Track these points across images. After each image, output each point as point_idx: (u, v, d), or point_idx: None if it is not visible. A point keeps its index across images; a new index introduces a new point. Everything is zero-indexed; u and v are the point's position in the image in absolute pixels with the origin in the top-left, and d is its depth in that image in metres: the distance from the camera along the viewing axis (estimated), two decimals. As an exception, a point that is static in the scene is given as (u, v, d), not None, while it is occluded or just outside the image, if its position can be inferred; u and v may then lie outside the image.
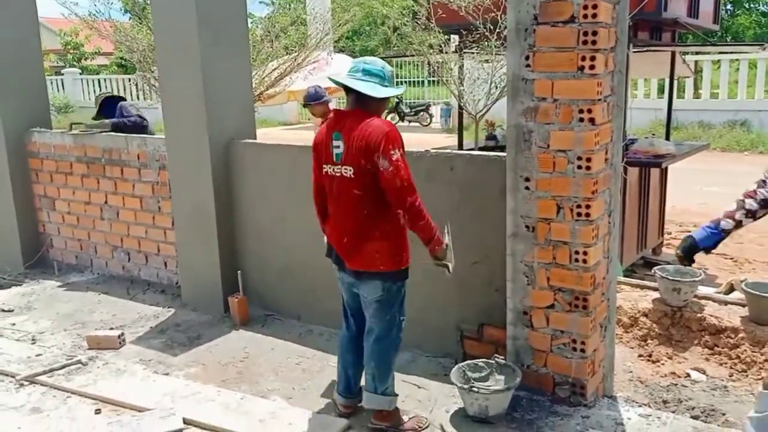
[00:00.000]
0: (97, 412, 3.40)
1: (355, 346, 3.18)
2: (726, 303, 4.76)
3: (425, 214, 2.89)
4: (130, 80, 21.20)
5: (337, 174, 2.95)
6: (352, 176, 2.89)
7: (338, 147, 2.93)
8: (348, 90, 2.95)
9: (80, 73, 24.08)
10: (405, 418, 3.13)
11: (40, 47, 6.03)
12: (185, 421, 3.22)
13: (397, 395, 3.15)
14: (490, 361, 3.33)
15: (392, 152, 2.80)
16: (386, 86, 2.96)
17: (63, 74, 23.56)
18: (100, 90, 22.72)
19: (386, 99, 3.00)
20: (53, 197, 5.81)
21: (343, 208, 2.99)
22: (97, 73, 24.82)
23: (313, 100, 6.71)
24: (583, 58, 2.93)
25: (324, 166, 3.02)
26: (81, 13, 8.43)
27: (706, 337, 4.51)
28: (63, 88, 23.03)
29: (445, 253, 3.01)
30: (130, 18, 10.45)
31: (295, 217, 4.30)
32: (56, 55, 25.61)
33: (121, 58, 22.35)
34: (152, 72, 7.63)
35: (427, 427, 3.12)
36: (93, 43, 24.45)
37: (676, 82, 7.73)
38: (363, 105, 2.93)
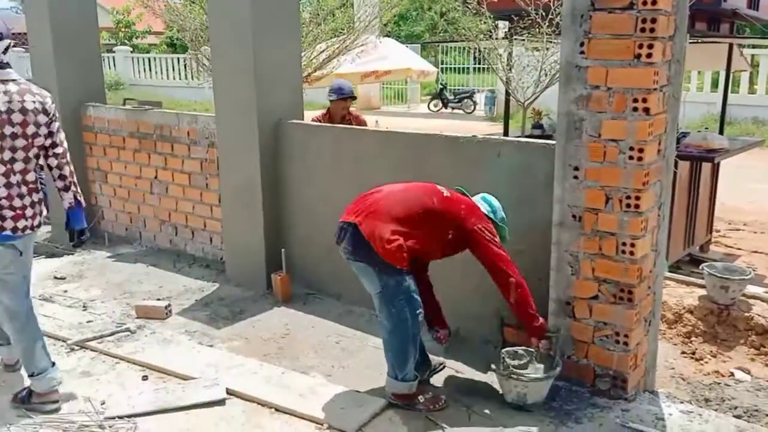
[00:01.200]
0: (144, 378, 3.52)
1: None
2: (774, 302, 4.64)
3: (530, 300, 3.17)
4: (179, 60, 21.56)
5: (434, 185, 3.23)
6: (449, 195, 3.19)
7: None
8: None
9: (131, 51, 24.57)
10: (421, 398, 3.17)
11: (97, 25, 6.17)
12: (228, 392, 3.30)
13: (417, 378, 3.19)
14: (530, 349, 3.32)
15: (496, 237, 3.18)
16: (491, 218, 3.23)
17: (114, 52, 24.08)
18: (150, 69, 23.20)
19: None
20: (106, 170, 5.97)
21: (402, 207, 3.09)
22: (148, 52, 25.29)
23: (337, 94, 5.42)
24: (641, 46, 2.87)
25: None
26: (134, -9, 8.58)
27: (753, 337, 4.42)
28: (114, 66, 23.55)
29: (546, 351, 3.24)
30: (182, -2, 10.61)
31: (339, 198, 4.31)
32: (108, 33, 26.18)
33: (171, 37, 22.78)
34: (203, 51, 7.75)
35: (445, 407, 3.15)
36: (144, 22, 24.91)
37: (731, 76, 7.48)
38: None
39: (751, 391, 3.95)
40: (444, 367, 3.53)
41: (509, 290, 3.08)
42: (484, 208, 3.25)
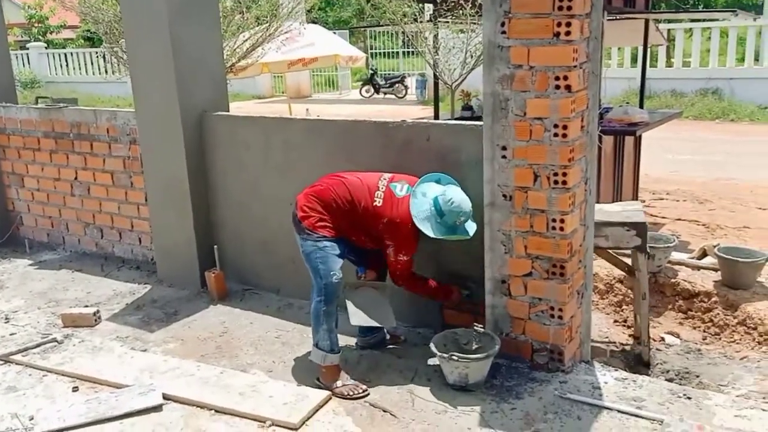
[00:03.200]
0: (75, 389, 3.36)
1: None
2: (699, 268, 4.86)
3: (423, 286, 3.47)
4: (97, 54, 20.70)
5: (378, 186, 3.29)
6: (378, 205, 3.23)
7: (397, 187, 3.30)
8: None
9: (46, 48, 23.42)
10: (339, 383, 3.22)
11: (3, 22, 5.82)
12: (165, 397, 3.19)
13: (334, 353, 3.26)
14: (469, 330, 3.35)
15: (400, 255, 3.24)
16: (437, 222, 3.20)
17: (28, 48, 22.91)
18: (67, 65, 22.19)
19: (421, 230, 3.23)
20: (21, 174, 5.67)
21: (340, 192, 3.29)
22: (63, 47, 24.15)
23: None
24: (559, 24, 2.90)
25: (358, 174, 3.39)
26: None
27: (680, 302, 4.61)
28: (29, 63, 22.41)
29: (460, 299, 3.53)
30: (96, -12, 10.13)
31: (271, 190, 4.25)
32: (21, 29, 24.84)
33: (88, 30, 21.81)
34: (120, 44, 7.43)
35: (363, 396, 3.17)
36: (58, 17, 23.75)
37: (649, 51, 7.74)
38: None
39: (681, 354, 4.13)
40: (403, 340, 3.69)
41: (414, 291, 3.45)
42: (424, 223, 3.20)
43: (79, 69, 22.01)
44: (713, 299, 4.45)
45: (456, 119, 6.76)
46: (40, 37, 24.82)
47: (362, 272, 3.57)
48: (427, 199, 3.24)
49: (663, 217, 6.85)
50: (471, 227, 3.28)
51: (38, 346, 3.81)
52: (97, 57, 20.77)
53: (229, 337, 3.90)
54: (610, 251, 3.97)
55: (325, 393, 3.17)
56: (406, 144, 3.70)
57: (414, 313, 3.83)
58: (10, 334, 4.00)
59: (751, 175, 8.41)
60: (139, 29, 4.39)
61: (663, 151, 9.07)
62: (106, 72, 17.41)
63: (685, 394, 3.08)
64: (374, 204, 3.24)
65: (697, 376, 3.86)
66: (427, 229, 3.18)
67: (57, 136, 5.30)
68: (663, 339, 4.31)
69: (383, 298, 3.48)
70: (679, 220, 6.73)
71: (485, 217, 3.30)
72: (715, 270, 4.69)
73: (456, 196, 3.21)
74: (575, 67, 2.96)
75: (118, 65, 7.41)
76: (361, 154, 3.81)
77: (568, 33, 2.89)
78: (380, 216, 3.22)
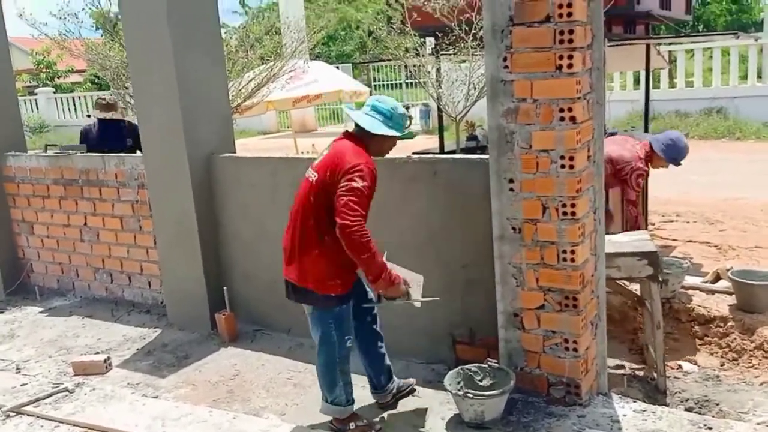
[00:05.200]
0: (87, 440, 3.33)
1: (361, 349, 3.32)
2: (713, 292, 4.80)
3: (368, 248, 2.87)
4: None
5: (308, 176, 3.09)
6: (314, 182, 3.02)
7: (323, 154, 3.10)
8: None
9: (54, 92, 23.79)
10: (352, 424, 3.16)
11: (11, 69, 5.93)
12: (177, 445, 3.16)
13: (350, 404, 3.19)
14: (483, 365, 3.30)
15: (354, 178, 2.87)
16: (390, 127, 3.07)
17: (37, 94, 23.27)
18: (75, 108, 22.49)
19: (386, 138, 3.11)
20: (31, 221, 5.70)
21: (296, 210, 3.11)
22: (71, 91, 24.53)
23: None
24: (561, 57, 2.91)
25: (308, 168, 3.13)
26: (51, 33, 8.28)
27: (696, 328, 4.54)
28: (37, 108, 22.74)
29: (404, 292, 3.07)
30: (102, 35, 10.32)
31: (279, 229, 4.20)
32: (29, 74, 25.29)
33: (95, 75, 22.17)
34: (127, 89, 7.53)
35: None
36: (66, 62, 24.17)
37: (651, 74, 7.78)
38: (363, 138, 3.08)
39: (699, 381, 4.06)
40: (414, 392, 3.50)
41: (344, 237, 2.86)
42: (375, 123, 3.03)
43: (88, 112, 22.27)
44: (729, 324, 4.38)
45: (461, 150, 6.78)
46: (48, 81, 25.24)
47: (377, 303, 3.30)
48: (362, 112, 3.10)
49: (674, 240, 6.78)
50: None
51: (50, 396, 3.79)
52: (105, 100, 21.03)
53: (240, 380, 3.86)
54: (617, 282, 3.93)
55: (339, 436, 3.12)
56: (412, 179, 3.71)
57: (426, 348, 3.79)
58: (22, 385, 3.98)
59: (761, 194, 8.35)
60: (146, 73, 4.45)
61: (670, 173, 9.03)
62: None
63: (705, 425, 3.01)
64: (309, 179, 3.04)
65: (717, 404, 3.79)
66: (384, 130, 3.05)
67: (66, 183, 5.35)
68: (680, 366, 4.23)
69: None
70: (690, 241, 6.66)
71: (495, 250, 3.28)
72: (730, 294, 4.63)
73: (384, 100, 3.14)
74: (579, 98, 2.97)
75: (126, 109, 7.49)
76: (368, 191, 3.80)
77: (570, 65, 2.91)
78: (322, 174, 2.97)
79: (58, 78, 25.87)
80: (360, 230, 2.84)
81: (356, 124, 3.11)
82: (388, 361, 3.39)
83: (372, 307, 3.29)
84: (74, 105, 22.59)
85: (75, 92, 24.06)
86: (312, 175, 3.05)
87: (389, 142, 3.16)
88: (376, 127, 3.06)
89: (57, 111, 22.81)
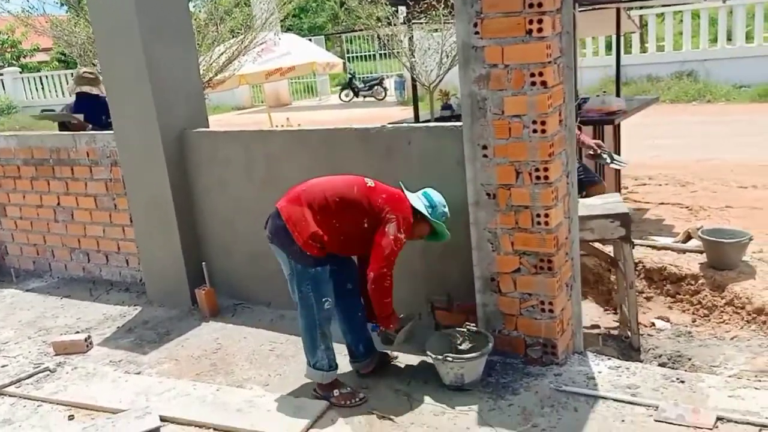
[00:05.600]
0: (71, 418, 3.33)
1: (341, 316, 3.36)
2: (685, 251, 4.91)
3: (390, 294, 3.14)
4: (72, 75, 20.52)
5: (365, 178, 3.22)
6: (368, 188, 3.17)
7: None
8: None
9: (20, 72, 23.20)
10: (336, 391, 3.21)
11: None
12: (162, 419, 3.18)
13: (333, 369, 3.24)
14: (462, 329, 3.36)
15: (399, 228, 3.08)
16: (429, 213, 3.21)
17: (2, 74, 22.68)
18: (43, 88, 21.98)
19: (418, 221, 3.20)
20: (3, 203, 5.61)
21: (330, 185, 3.20)
22: (38, 71, 23.94)
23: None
24: (531, 22, 2.92)
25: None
26: (13, 10, 8.07)
27: (668, 286, 4.66)
28: (3, 89, 22.20)
29: (395, 336, 3.28)
30: (67, 11, 10.06)
31: (255, 204, 4.24)
32: (-8, 54, 24.61)
33: (61, 53, 21.65)
34: (94, 65, 7.38)
35: (361, 404, 3.17)
36: (31, 40, 23.55)
37: (622, 38, 7.81)
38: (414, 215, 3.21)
39: (672, 338, 4.18)
40: (395, 357, 3.55)
41: (369, 279, 3.09)
42: (420, 203, 3.22)
43: (56, 91, 21.81)
44: (700, 281, 4.51)
45: (436, 119, 6.78)
46: (14, 61, 24.59)
47: (376, 329, 3.40)
48: (415, 194, 3.28)
49: (646, 203, 6.91)
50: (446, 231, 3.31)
51: (31, 376, 3.78)
52: (72, 79, 20.59)
53: (223, 354, 3.89)
54: (591, 244, 4.01)
55: (323, 403, 3.17)
56: (387, 149, 3.72)
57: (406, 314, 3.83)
58: (2, 366, 3.96)
59: (731, 155, 8.51)
60: (113, 50, 4.37)
61: (642, 136, 9.14)
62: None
63: (678, 378, 3.11)
64: (368, 185, 3.18)
65: (689, 359, 3.91)
66: (425, 210, 3.20)
67: (37, 163, 5.26)
68: (653, 324, 4.35)
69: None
70: (662, 203, 6.79)
71: (471, 216, 3.32)
72: (701, 252, 4.75)
73: (436, 194, 3.30)
74: (550, 63, 2.99)
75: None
76: (344, 161, 3.80)
77: (540, 30, 2.92)
78: (378, 193, 3.16)
79: (24, 57, 25.20)
80: (390, 279, 3.09)
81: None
82: (368, 332, 3.43)
83: (353, 275, 3.34)
84: (41, 84, 22.08)
85: (42, 71, 23.49)
86: (370, 182, 3.20)
87: (420, 227, 3.23)
88: (418, 204, 3.21)
89: (24, 91, 22.29)
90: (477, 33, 3.06)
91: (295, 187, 3.25)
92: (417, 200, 3.23)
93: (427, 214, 3.20)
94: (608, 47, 14.66)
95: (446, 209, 3.27)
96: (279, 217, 3.12)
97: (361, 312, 3.38)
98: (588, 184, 4.91)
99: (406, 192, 3.28)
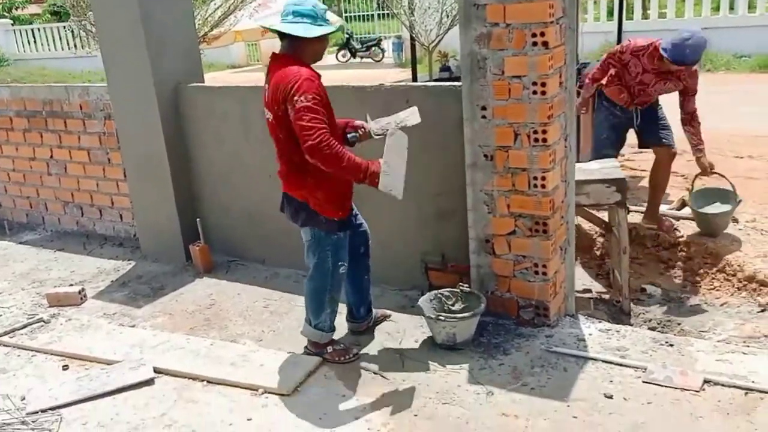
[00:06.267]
0: (65, 368, 3.36)
1: (349, 278, 3.29)
2: (678, 219, 4.92)
3: (341, 156, 2.79)
4: (65, 28, 20.16)
5: (267, 118, 3.00)
6: (273, 121, 2.95)
7: (266, 91, 2.97)
8: (281, 35, 2.92)
9: (12, 24, 22.73)
10: (329, 348, 3.23)
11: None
12: (156, 370, 3.21)
13: (333, 330, 3.26)
14: (455, 290, 3.38)
15: (296, 99, 2.75)
16: (320, 25, 2.91)
17: (-7, 26, 22.23)
18: (35, 41, 21.59)
19: (322, 38, 2.94)
20: (-5, 155, 5.57)
21: (277, 152, 3.04)
22: (30, 23, 23.48)
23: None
24: (534, -20, 2.87)
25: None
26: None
27: (661, 253, 4.68)
28: (-6, 41, 21.78)
29: (388, 180, 2.87)
30: (59, -40, 9.83)
31: (252, 160, 4.22)
32: (-17, 6, 24.09)
33: (54, 4, 21.22)
34: (87, 17, 7.24)
35: (353, 360, 3.20)
36: (23, -9, 23.07)
37: (625, 3, 7.70)
38: (296, 49, 2.92)
39: (663, 303, 4.23)
40: (389, 317, 3.58)
41: (309, 159, 2.80)
42: (303, 29, 2.83)
43: (48, 45, 21.42)
44: (693, 249, 4.53)
45: (434, 81, 6.72)
46: (6, 13, 24.08)
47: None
48: (287, 22, 2.89)
49: (642, 170, 6.89)
50: (330, 20, 3.03)
51: (25, 326, 3.80)
52: (66, 31, 20.22)
53: (217, 309, 3.91)
54: (586, 208, 4.01)
55: (317, 359, 3.20)
56: (385, 108, 3.66)
57: (400, 275, 3.86)
58: (-4, 317, 3.98)
59: (728, 124, 8.47)
60: (107, 1, 4.28)
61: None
62: (75, 47, 17.02)
63: (667, 342, 3.15)
64: (269, 120, 2.95)
65: (679, 324, 3.96)
66: (323, 30, 2.88)
67: (29, 115, 5.20)
68: (644, 290, 4.39)
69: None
70: (658, 172, 6.76)
71: (467, 177, 3.31)
72: (693, 219, 4.76)
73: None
74: (552, 23, 2.94)
75: (87, 39, 7.23)
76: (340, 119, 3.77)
77: (543, -12, 2.87)
78: (273, 110, 2.89)
79: (16, 9, 24.67)
80: (323, 144, 2.73)
81: (282, 37, 2.90)
82: (371, 296, 3.44)
83: (366, 238, 3.30)
84: (34, 38, 21.66)
85: (34, 24, 23.03)
86: (268, 115, 2.97)
87: (323, 43, 2.97)
88: (311, 31, 2.86)
89: (16, 44, 21.86)
90: (479, -10, 3.00)
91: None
92: (300, 27, 2.84)
93: (320, 33, 2.85)
94: (609, 13, 14.47)
95: (321, 5, 2.92)
96: (291, 200, 3.05)
97: (367, 275, 3.37)
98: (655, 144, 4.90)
99: (278, 25, 2.89)
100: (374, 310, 3.52)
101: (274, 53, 3.01)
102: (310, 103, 2.75)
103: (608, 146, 4.88)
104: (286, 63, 2.89)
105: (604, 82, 4.84)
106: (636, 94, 4.73)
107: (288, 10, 2.91)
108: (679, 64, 4.39)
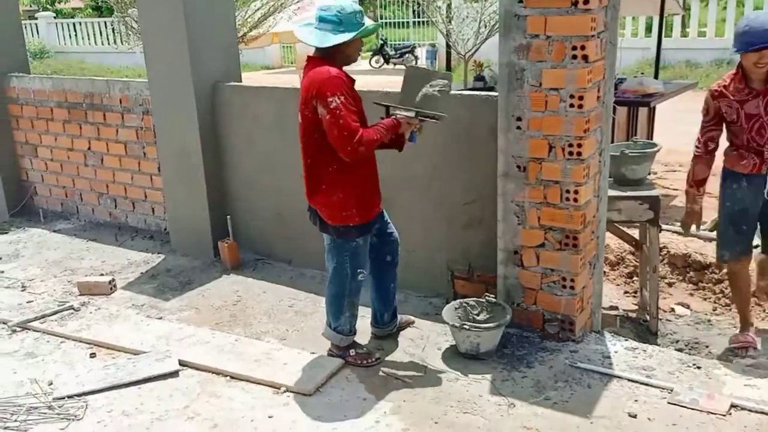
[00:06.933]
0: (92, 356, 3.43)
1: (375, 284, 3.35)
2: (711, 240, 4.83)
3: (375, 138, 2.88)
4: (106, 23, 20.58)
5: (300, 120, 3.03)
6: (300, 122, 3.00)
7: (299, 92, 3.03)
8: None
9: (54, 17, 23.28)
10: (352, 351, 3.24)
11: (14, -9, 5.81)
12: (181, 363, 3.26)
13: (353, 334, 3.27)
14: (480, 300, 3.37)
15: (330, 99, 2.80)
16: (341, 31, 2.90)
17: (37, 18, 22.78)
18: (76, 35, 22.07)
19: (347, 45, 2.93)
20: (35, 144, 5.69)
21: (302, 153, 3.08)
22: (72, 17, 24.01)
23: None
24: (577, -7, 2.86)
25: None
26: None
27: (691, 273, 4.61)
28: (38, 33, 22.31)
29: (417, 114, 2.99)
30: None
31: (284, 161, 4.25)
32: (29, -2, 24.72)
33: (96, 0, 21.66)
34: (130, 14, 7.39)
35: (375, 365, 3.20)
36: (66, -15, 23.61)
37: (664, 21, 7.62)
38: (326, 51, 2.95)
39: (691, 324, 4.15)
40: (412, 323, 3.58)
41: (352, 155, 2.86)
42: (318, 38, 2.88)
43: (88, 39, 21.88)
44: (724, 271, 4.45)
45: (469, 90, 6.71)
46: (49, 6, 24.67)
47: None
48: (310, 30, 2.95)
49: (675, 189, 6.79)
50: (367, 22, 3.06)
51: (55, 313, 3.87)
52: (106, 27, 20.65)
53: (242, 306, 3.95)
54: (617, 224, 3.96)
55: (339, 361, 3.21)
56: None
57: (425, 283, 3.86)
58: (27, 302, 4.06)
59: None
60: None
61: (676, 122, 8.94)
62: (116, 42, 17.36)
63: (694, 364, 3.10)
64: (301, 122, 2.98)
65: (707, 347, 3.89)
66: (336, 39, 2.87)
67: (70, 107, 5.32)
68: (673, 310, 4.33)
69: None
70: (691, 192, 6.66)
71: (498, 187, 3.30)
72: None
73: (324, 3, 2.94)
74: (593, 36, 2.93)
75: (128, 35, 7.37)
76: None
77: (586, 2, 2.86)
78: (304, 112, 2.93)
79: (59, 2, 25.26)
80: (360, 144, 2.80)
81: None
82: (396, 302, 3.45)
83: (394, 247, 3.31)
84: (75, 31, 22.15)
85: (76, 18, 23.54)
86: (298, 117, 3.02)
87: (353, 45, 2.97)
88: (326, 40, 2.89)
89: (57, 37, 22.37)
90: (521, 1, 3.00)
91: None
92: (317, 35, 2.89)
93: (333, 43, 2.86)
94: (647, 29, 14.33)
95: (349, 8, 2.90)
96: (310, 205, 3.13)
97: (393, 283, 3.38)
98: None
99: (300, 34, 2.98)
100: (399, 316, 3.52)
101: (308, 56, 3.05)
102: (340, 104, 2.80)
103: (739, 240, 3.59)
104: (318, 64, 2.93)
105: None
106: (757, 141, 3.43)
107: (316, 15, 2.96)
108: (756, 47, 3.20)
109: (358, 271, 3.15)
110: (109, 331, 3.64)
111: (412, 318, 3.61)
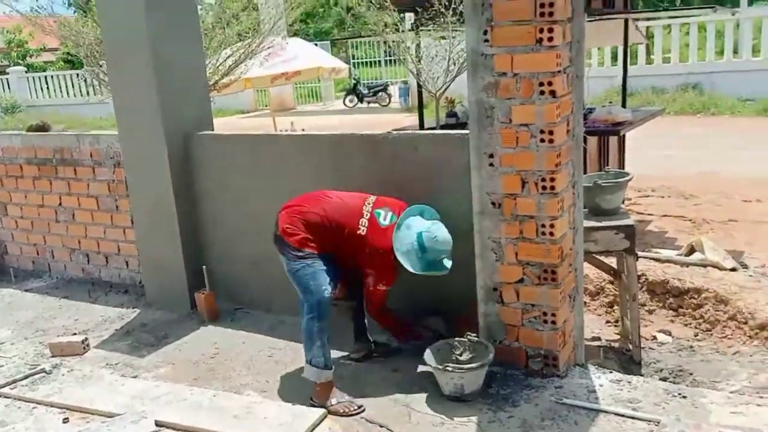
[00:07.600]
0: (65, 421, 3.30)
1: (359, 306, 3.57)
2: (687, 265, 4.87)
3: (387, 319, 3.52)
4: (78, 76, 20.58)
5: (364, 206, 3.32)
6: (362, 233, 3.26)
7: (381, 215, 3.31)
8: None
9: (26, 71, 23.26)
10: (334, 400, 3.19)
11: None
12: (157, 424, 3.15)
13: (328, 369, 3.24)
14: (462, 339, 3.33)
15: (379, 285, 3.29)
16: (419, 258, 3.24)
17: (8, 73, 22.74)
18: (48, 88, 22.05)
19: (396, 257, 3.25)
20: (5, 202, 5.60)
21: (315, 203, 3.34)
22: (44, 70, 24.00)
23: None
24: (541, 30, 2.90)
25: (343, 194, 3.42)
26: (22, 9, 8.08)
27: (670, 299, 4.62)
28: (9, 88, 22.24)
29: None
30: (75, 11, 10.08)
31: (259, 209, 4.21)
32: (0, 53, 24.72)
33: (68, 53, 21.70)
34: (101, 66, 7.38)
35: (359, 412, 3.14)
36: (37, 40, 23.64)
37: (629, 50, 7.79)
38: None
39: (674, 351, 4.14)
40: (391, 348, 3.68)
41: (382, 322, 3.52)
42: (408, 257, 3.23)
43: (60, 91, 21.87)
44: (703, 295, 4.47)
45: (441, 126, 6.76)
46: (20, 60, 24.66)
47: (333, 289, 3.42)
48: (411, 233, 3.25)
49: (649, 214, 6.87)
50: (448, 263, 3.32)
51: (27, 377, 3.75)
52: (78, 79, 20.64)
53: (221, 359, 3.85)
54: (594, 255, 3.97)
55: (321, 411, 3.13)
56: (393, 156, 3.69)
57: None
58: (-2, 366, 3.93)
59: (735, 168, 8.48)
60: (121, 50, 4.35)
61: (646, 148, 9.11)
62: (88, 94, 17.34)
63: (680, 393, 3.07)
64: (359, 232, 3.25)
65: (691, 374, 3.87)
66: (407, 264, 3.22)
67: (40, 163, 5.25)
68: (655, 338, 4.32)
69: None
70: (665, 216, 6.75)
71: (475, 225, 3.29)
72: (704, 266, 4.71)
73: (440, 233, 3.26)
74: (559, 72, 2.96)
75: (100, 87, 7.35)
76: (350, 167, 3.79)
77: (551, 39, 2.90)
78: (364, 245, 3.25)
79: (30, 57, 25.29)
80: (384, 311, 3.43)
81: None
82: (367, 324, 3.64)
83: None
84: (47, 84, 22.13)
85: (47, 71, 23.54)
86: (364, 221, 3.27)
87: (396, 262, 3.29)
88: (410, 265, 3.24)
89: (29, 90, 22.33)
90: (487, 41, 3.03)
91: (302, 195, 3.41)
92: (406, 253, 3.23)
93: (410, 269, 3.23)
94: (614, 58, 14.66)
95: (444, 245, 3.26)
96: (276, 225, 3.31)
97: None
98: None
99: (399, 235, 3.25)
100: (372, 338, 3.67)
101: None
102: (382, 288, 3.30)
103: None
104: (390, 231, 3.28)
105: None
106: None
107: (425, 243, 3.25)
108: None
109: (323, 288, 3.20)
110: (82, 393, 3.52)
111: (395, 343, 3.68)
